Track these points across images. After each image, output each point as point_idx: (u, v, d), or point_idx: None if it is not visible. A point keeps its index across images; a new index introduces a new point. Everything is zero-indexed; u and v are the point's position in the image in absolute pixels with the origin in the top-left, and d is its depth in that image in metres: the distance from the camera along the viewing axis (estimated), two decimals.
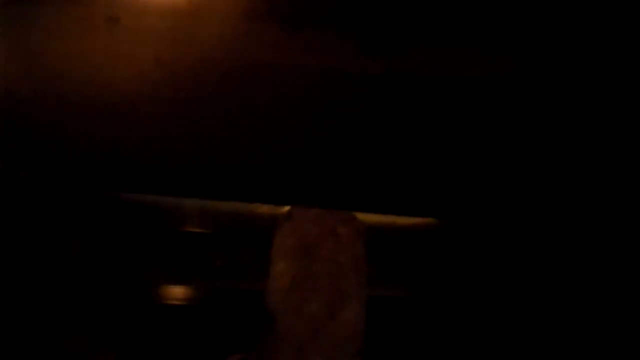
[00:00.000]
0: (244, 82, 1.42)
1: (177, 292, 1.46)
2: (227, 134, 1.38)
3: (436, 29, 1.40)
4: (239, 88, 1.42)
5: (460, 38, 1.40)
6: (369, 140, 1.40)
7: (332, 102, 1.40)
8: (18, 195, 1.28)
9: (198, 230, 1.29)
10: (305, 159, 1.36)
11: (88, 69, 1.39)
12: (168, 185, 1.34)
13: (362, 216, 1.33)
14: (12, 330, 1.32)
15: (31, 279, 1.34)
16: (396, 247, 1.38)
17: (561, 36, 1.36)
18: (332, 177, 1.35)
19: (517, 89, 1.37)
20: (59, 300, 1.35)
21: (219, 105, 1.43)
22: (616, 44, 1.39)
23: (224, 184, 1.35)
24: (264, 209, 1.31)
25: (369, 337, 1.37)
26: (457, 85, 1.37)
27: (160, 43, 1.40)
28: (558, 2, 1.34)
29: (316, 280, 1.27)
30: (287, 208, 1.31)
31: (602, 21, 1.39)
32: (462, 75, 1.37)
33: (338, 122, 1.41)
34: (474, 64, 1.40)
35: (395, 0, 1.40)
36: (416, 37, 1.40)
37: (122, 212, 1.32)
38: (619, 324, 1.42)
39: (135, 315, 1.43)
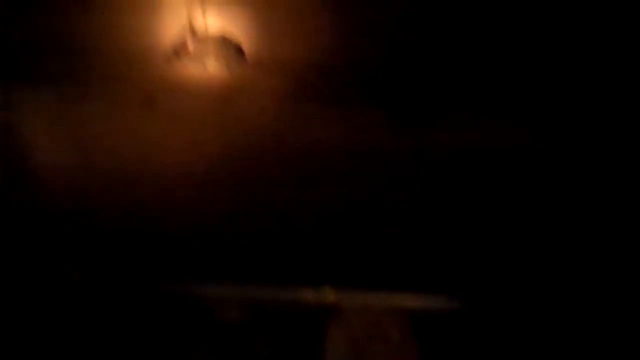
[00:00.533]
0: (282, 162, 1.42)
1: None
2: (266, 216, 1.38)
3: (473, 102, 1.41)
4: (275, 169, 1.43)
5: (489, 110, 1.41)
6: (417, 218, 1.40)
7: (379, 179, 1.41)
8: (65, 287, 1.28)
9: (241, 319, 1.28)
10: (350, 239, 1.36)
11: (125, 148, 1.40)
12: (207, 272, 1.34)
13: (408, 298, 1.33)
14: None
15: None
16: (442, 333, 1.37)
17: (584, 108, 1.37)
18: (379, 257, 1.35)
19: (547, 159, 1.38)
20: None
21: (255, 186, 1.43)
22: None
23: (267, 268, 1.34)
24: (309, 293, 1.30)
25: None
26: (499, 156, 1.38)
27: (196, 124, 1.41)
28: (581, 76, 1.36)
29: None
30: (333, 295, 1.30)
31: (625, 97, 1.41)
32: (504, 146, 1.38)
33: (385, 200, 1.42)
34: (503, 135, 1.40)
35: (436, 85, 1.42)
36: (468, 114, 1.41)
37: (163, 301, 1.31)
38: None
39: None
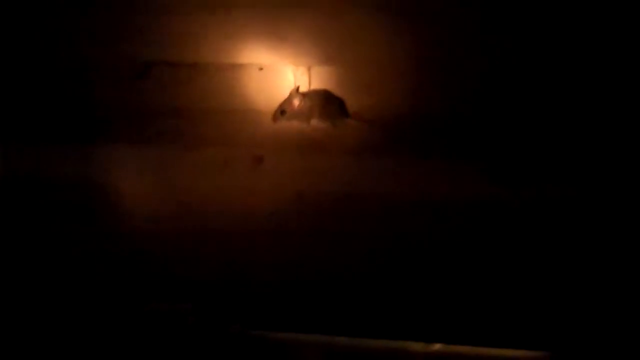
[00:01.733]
0: (383, 214, 1.45)
1: None
2: (370, 267, 1.39)
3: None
4: (375, 221, 1.45)
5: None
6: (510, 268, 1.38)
7: (481, 232, 1.41)
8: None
9: None
10: (451, 292, 1.36)
11: (231, 205, 1.46)
12: (311, 322, 1.35)
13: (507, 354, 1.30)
14: None
15: None
16: None
17: None
18: (483, 311, 1.33)
19: None
20: None
21: (360, 239, 1.45)
22: None
23: (372, 320, 1.34)
24: (416, 346, 1.29)
25: None
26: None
27: (300, 177, 1.45)
28: None
29: None
30: (438, 346, 1.29)
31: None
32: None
33: (485, 254, 1.42)
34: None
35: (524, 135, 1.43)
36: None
37: (260, 352, 1.33)
38: None
39: None
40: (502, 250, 1.37)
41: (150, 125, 1.52)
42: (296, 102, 1.46)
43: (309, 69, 1.51)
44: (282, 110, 1.47)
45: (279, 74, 1.52)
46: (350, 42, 1.49)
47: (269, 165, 1.46)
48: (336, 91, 1.48)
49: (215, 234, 1.44)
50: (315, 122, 1.48)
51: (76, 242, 1.47)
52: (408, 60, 1.48)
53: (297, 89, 1.47)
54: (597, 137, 1.39)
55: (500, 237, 1.38)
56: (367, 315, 1.33)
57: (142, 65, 1.54)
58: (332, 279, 1.38)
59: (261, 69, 1.53)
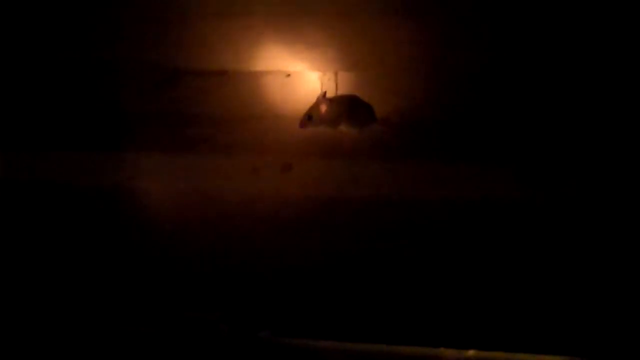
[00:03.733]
0: (406, 217, 1.44)
1: None
2: (403, 273, 1.37)
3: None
4: (397, 223, 1.44)
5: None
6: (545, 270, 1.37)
7: (509, 235, 1.40)
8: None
9: None
10: (484, 299, 1.34)
11: (261, 212, 1.46)
12: (343, 329, 1.35)
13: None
14: None
15: None
16: None
17: None
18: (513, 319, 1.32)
19: None
20: None
21: (391, 244, 1.44)
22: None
23: (406, 327, 1.33)
24: (450, 353, 1.28)
25: None
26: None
27: (329, 183, 1.45)
28: None
29: None
30: (471, 352, 1.27)
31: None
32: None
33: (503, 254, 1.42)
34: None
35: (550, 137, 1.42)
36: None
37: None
38: None
39: None
40: (536, 254, 1.35)
41: (178, 132, 1.53)
42: (323, 107, 1.45)
43: (335, 75, 1.51)
44: (310, 116, 1.46)
45: (306, 80, 1.52)
46: (377, 47, 1.49)
47: (298, 172, 1.46)
48: (364, 96, 1.47)
49: (244, 240, 1.44)
50: (343, 127, 1.47)
51: (105, 250, 1.48)
52: (435, 64, 1.48)
53: (324, 94, 1.47)
54: (629, 141, 1.37)
55: (532, 240, 1.36)
56: (401, 322, 1.32)
57: (170, 72, 1.56)
58: (364, 285, 1.37)
59: (288, 75, 1.54)
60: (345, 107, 1.47)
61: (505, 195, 1.40)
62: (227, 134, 1.51)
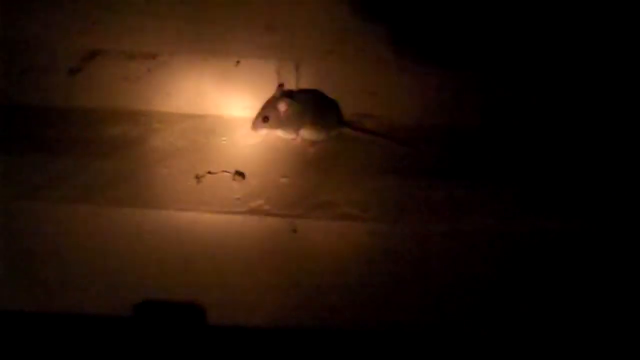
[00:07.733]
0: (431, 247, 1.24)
1: None
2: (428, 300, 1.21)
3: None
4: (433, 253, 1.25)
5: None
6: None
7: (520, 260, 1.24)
8: None
9: None
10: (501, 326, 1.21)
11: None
12: None
13: None
14: None
15: None
16: None
17: None
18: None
19: None
20: None
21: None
22: None
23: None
24: None
25: None
26: None
27: (286, 190, 1.20)
28: None
29: None
30: None
31: None
32: None
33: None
34: None
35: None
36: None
37: None
38: None
39: None
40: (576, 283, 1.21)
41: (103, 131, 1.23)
42: (282, 106, 1.18)
43: (297, 70, 1.24)
44: (265, 117, 1.19)
45: (259, 69, 1.24)
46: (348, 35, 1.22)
47: (250, 179, 1.20)
48: (330, 92, 1.22)
49: None
50: (305, 132, 1.22)
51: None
52: (417, 59, 1.23)
53: (282, 86, 1.20)
54: None
55: (564, 269, 1.21)
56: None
57: (88, 54, 1.24)
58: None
59: (238, 62, 1.25)
60: (308, 106, 1.21)
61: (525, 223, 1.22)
62: (173, 133, 1.23)
